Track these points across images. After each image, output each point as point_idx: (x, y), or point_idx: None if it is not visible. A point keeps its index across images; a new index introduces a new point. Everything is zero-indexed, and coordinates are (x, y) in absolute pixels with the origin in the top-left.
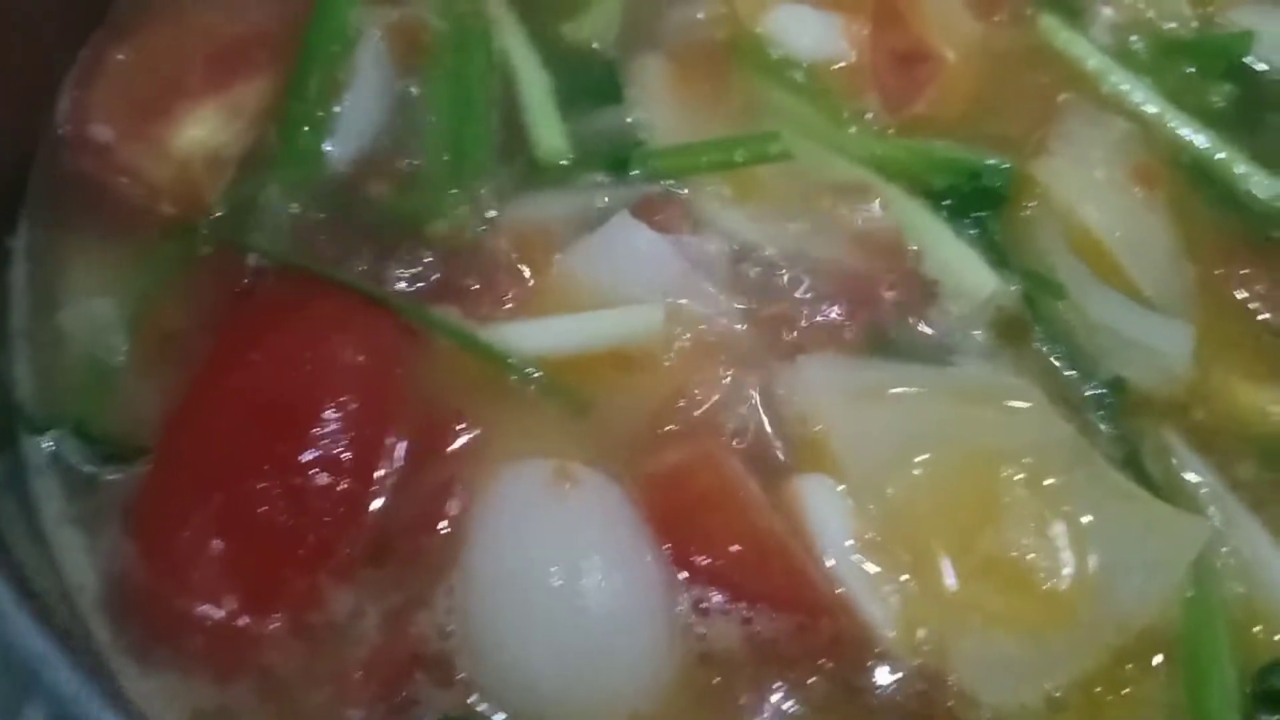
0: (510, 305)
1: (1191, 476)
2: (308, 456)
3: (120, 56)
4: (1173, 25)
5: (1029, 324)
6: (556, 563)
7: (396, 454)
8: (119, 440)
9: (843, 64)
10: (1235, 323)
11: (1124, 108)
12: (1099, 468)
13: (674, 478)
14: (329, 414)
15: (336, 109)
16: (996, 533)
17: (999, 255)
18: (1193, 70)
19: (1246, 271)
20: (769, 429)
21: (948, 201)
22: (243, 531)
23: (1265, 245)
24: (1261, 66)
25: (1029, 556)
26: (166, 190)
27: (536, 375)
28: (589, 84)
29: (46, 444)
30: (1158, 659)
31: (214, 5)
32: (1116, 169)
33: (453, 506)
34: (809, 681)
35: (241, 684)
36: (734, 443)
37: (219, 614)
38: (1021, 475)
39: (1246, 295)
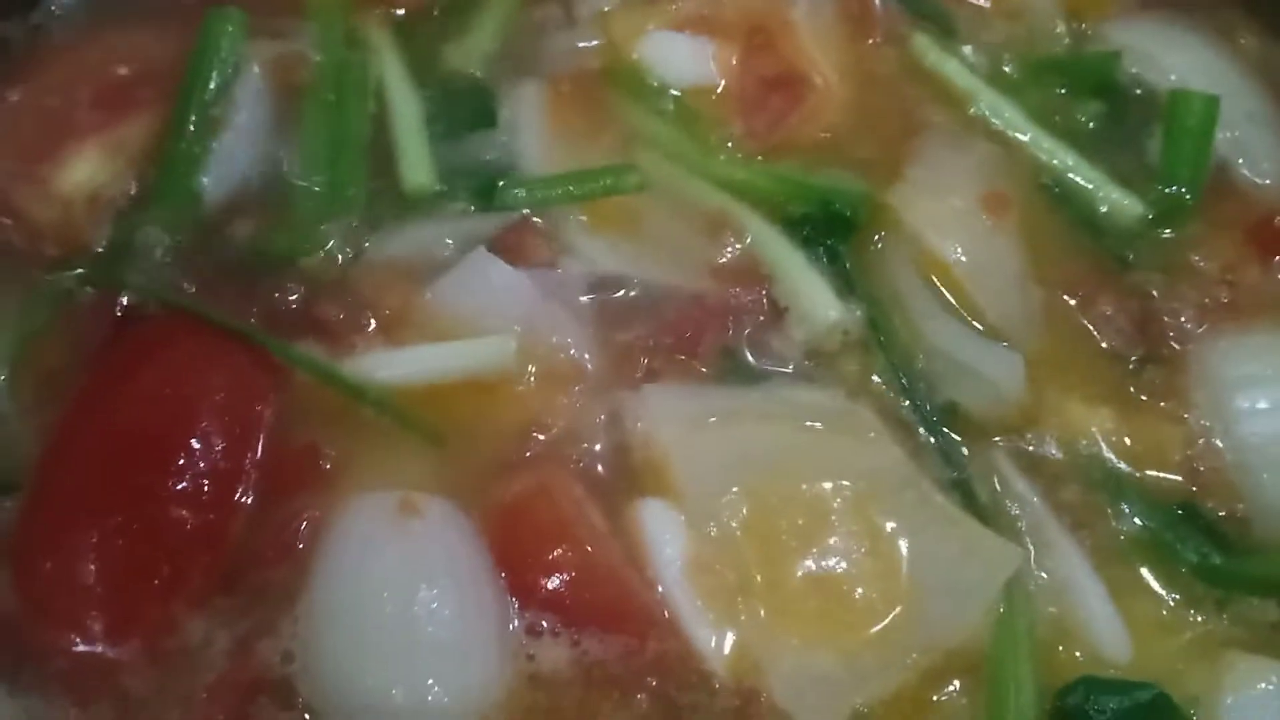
0: (372, 338)
1: (1017, 499)
2: (167, 491)
3: (13, 98)
4: (1045, 44)
5: (872, 349)
6: (394, 592)
7: (253, 488)
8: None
9: (714, 90)
10: (1076, 345)
11: (989, 129)
12: (925, 492)
13: (515, 508)
14: (190, 450)
15: (214, 145)
16: (820, 555)
17: (847, 281)
18: (1063, 90)
19: (1094, 295)
20: (614, 455)
21: (805, 228)
22: (105, 563)
23: (1116, 268)
24: (1132, 84)
25: (849, 579)
26: (49, 231)
27: (392, 407)
28: (465, 110)
29: None
30: (963, 678)
31: (104, 44)
32: (969, 195)
33: (303, 538)
34: (633, 700)
35: (99, 705)
36: (580, 468)
37: (81, 641)
38: (849, 499)
39: (1091, 318)
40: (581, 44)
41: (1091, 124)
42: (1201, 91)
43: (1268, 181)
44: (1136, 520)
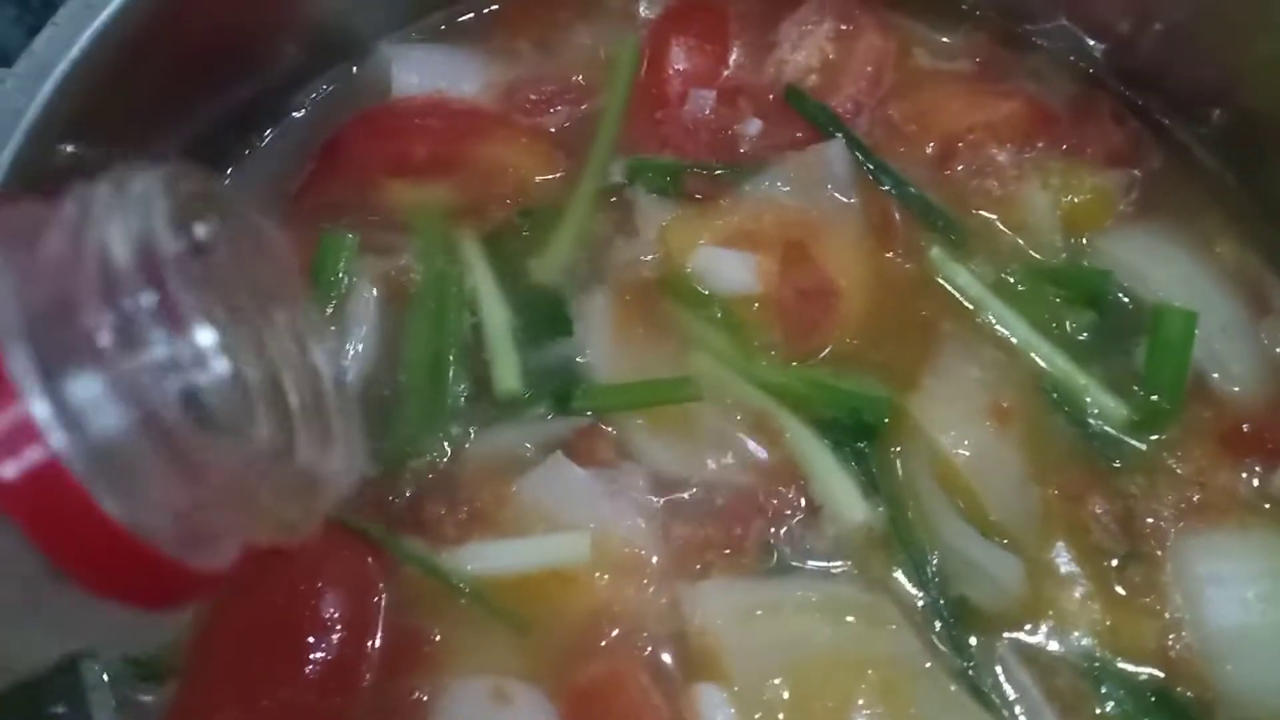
0: (466, 531)
1: (1017, 686)
2: (301, 677)
3: None
4: (1045, 255)
5: (893, 545)
6: None
7: (371, 672)
8: (157, 662)
9: (756, 299)
10: (1070, 542)
11: (995, 336)
12: (939, 680)
13: (591, 694)
14: (318, 638)
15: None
16: None
17: (872, 482)
18: (1058, 299)
19: (1084, 495)
20: (674, 642)
21: (836, 431)
22: None
23: (1105, 469)
24: (1121, 295)
25: None
26: None
27: (483, 597)
28: (545, 319)
29: (99, 666)
30: None
31: None
32: (977, 403)
33: None
34: None
35: None
36: (645, 655)
37: None
38: (874, 685)
39: (1082, 517)
40: (642, 256)
41: (1085, 334)
42: (1181, 308)
43: (1238, 389)
44: (1117, 705)
